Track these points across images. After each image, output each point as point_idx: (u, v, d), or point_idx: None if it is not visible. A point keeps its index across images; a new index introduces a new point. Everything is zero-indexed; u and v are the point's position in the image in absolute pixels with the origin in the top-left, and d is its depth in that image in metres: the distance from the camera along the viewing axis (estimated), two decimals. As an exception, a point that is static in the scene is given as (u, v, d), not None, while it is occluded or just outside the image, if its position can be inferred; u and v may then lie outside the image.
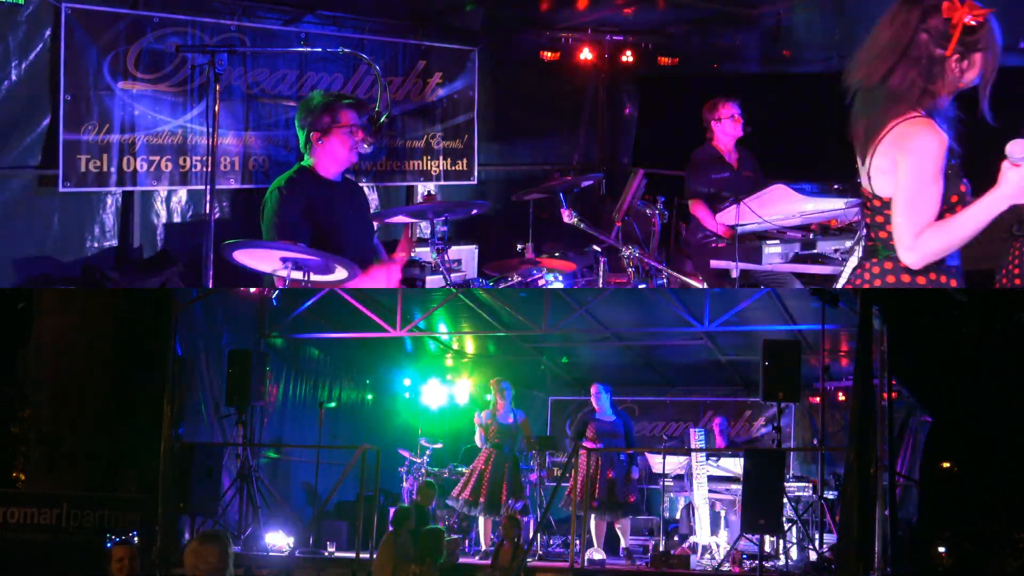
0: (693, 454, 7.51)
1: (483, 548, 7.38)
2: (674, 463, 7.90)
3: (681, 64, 10.09)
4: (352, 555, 6.75)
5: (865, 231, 3.50)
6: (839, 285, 5.75)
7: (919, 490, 8.22)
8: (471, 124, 9.74)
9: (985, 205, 3.09)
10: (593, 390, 7.91)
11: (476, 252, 9.13)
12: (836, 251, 6.49)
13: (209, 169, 4.42)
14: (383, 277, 5.17)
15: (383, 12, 8.90)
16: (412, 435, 8.98)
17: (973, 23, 3.12)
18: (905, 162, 3.16)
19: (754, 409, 9.73)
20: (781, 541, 6.55)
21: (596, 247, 6.25)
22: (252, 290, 7.36)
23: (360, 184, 8.86)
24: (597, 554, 6.96)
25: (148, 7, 7.52)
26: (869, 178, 3.33)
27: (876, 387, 6.30)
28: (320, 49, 8.17)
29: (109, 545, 4.34)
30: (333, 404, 8.50)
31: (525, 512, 7.59)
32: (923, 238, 3.15)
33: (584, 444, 7.41)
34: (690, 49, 10.10)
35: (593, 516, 7.46)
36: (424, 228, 5.52)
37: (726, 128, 7.57)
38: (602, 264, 6.18)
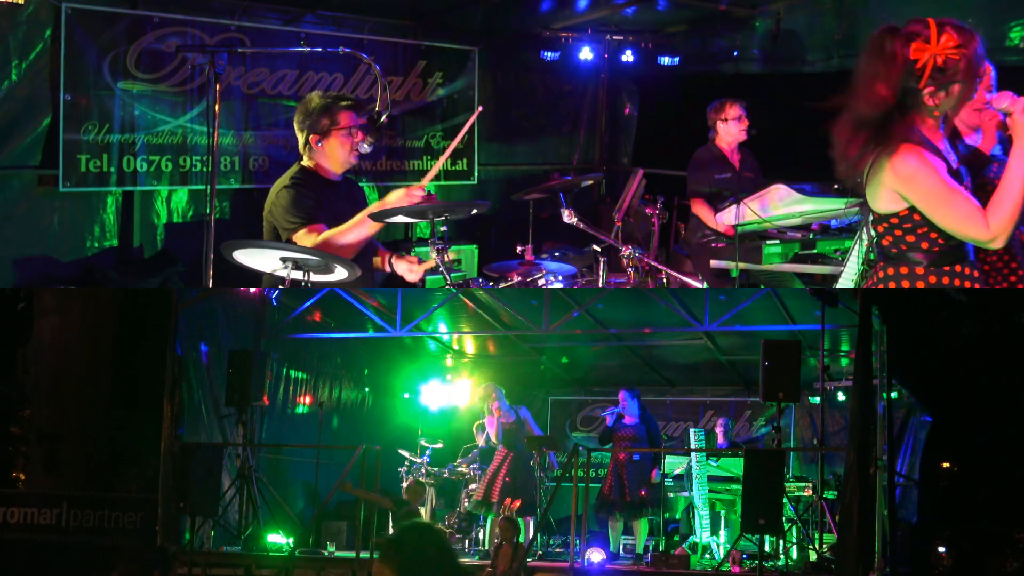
0: (693, 454, 7.51)
1: (486, 548, 7.39)
2: (674, 463, 7.91)
3: (681, 64, 10.08)
4: (352, 555, 6.75)
5: (870, 239, 3.60)
6: (839, 285, 5.77)
7: (919, 490, 8.22)
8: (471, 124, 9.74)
9: (1018, 161, 3.20)
10: (620, 397, 7.89)
11: (476, 252, 9.14)
12: (836, 251, 6.50)
13: (209, 169, 4.43)
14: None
15: (383, 12, 8.90)
16: (412, 435, 8.97)
17: (941, 64, 3.21)
18: (911, 189, 3.27)
19: (754, 409, 9.72)
20: (781, 541, 6.55)
21: (596, 247, 6.25)
22: (252, 290, 7.35)
23: (360, 183, 8.94)
24: (597, 554, 6.95)
25: (148, 7, 7.52)
26: (867, 196, 3.45)
27: (876, 387, 6.29)
28: (320, 49, 8.18)
29: None
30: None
31: (526, 512, 7.58)
32: (993, 225, 3.23)
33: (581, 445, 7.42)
34: (690, 49, 10.09)
35: (609, 517, 7.49)
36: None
37: (731, 129, 7.58)
38: (602, 264, 6.17)
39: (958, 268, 3.41)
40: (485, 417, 7.99)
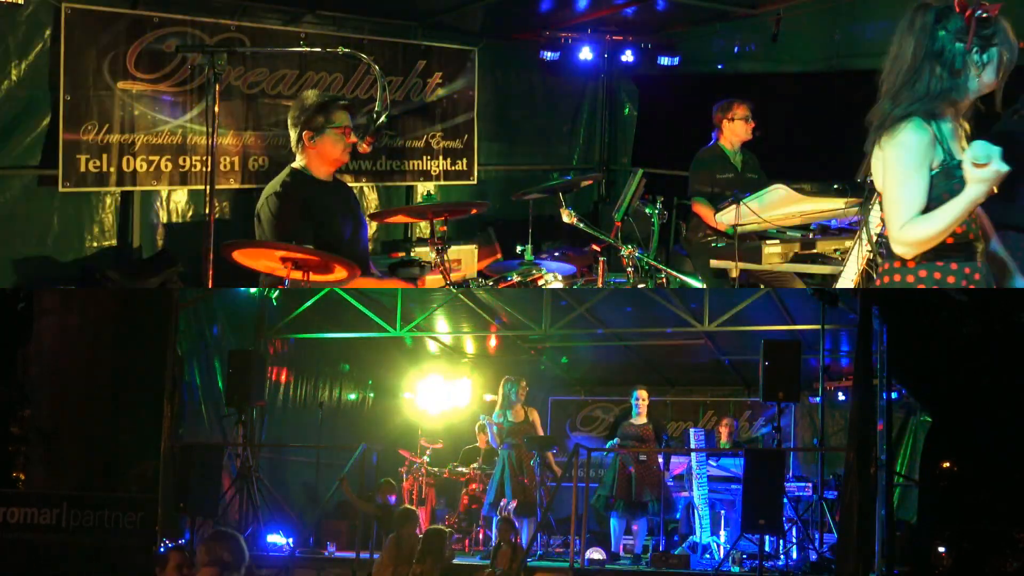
0: (693, 454, 7.51)
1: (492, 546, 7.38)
2: (674, 463, 7.90)
3: (681, 64, 10.08)
4: (352, 555, 6.75)
5: (874, 228, 3.67)
6: (839, 285, 5.77)
7: (919, 490, 8.22)
8: (471, 124, 9.74)
9: (963, 203, 3.20)
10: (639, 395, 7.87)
11: (476, 252, 9.14)
12: (836, 251, 6.50)
13: (209, 169, 4.42)
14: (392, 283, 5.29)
15: (383, 12, 8.90)
16: (412, 435, 8.97)
17: (985, 15, 3.22)
18: (891, 155, 3.30)
19: (754, 409, 9.72)
20: (781, 541, 6.55)
21: (596, 247, 6.25)
22: (252, 290, 7.35)
23: (358, 183, 8.94)
24: (597, 554, 6.95)
25: (148, 7, 7.52)
26: (876, 174, 3.47)
27: (876, 387, 6.29)
28: (320, 49, 8.18)
29: (163, 550, 4.22)
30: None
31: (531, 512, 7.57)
32: (906, 228, 3.28)
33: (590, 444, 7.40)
34: (690, 49, 10.10)
35: (613, 515, 7.48)
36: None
37: (737, 129, 7.58)
38: (602, 264, 6.17)
39: (954, 266, 3.39)
40: (496, 411, 7.89)
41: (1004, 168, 3.11)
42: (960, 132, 3.40)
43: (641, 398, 7.72)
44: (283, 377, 8.30)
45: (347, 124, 4.90)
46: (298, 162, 4.95)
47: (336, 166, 5.00)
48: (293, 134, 4.94)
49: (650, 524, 7.63)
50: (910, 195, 3.26)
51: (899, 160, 3.27)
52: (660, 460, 7.62)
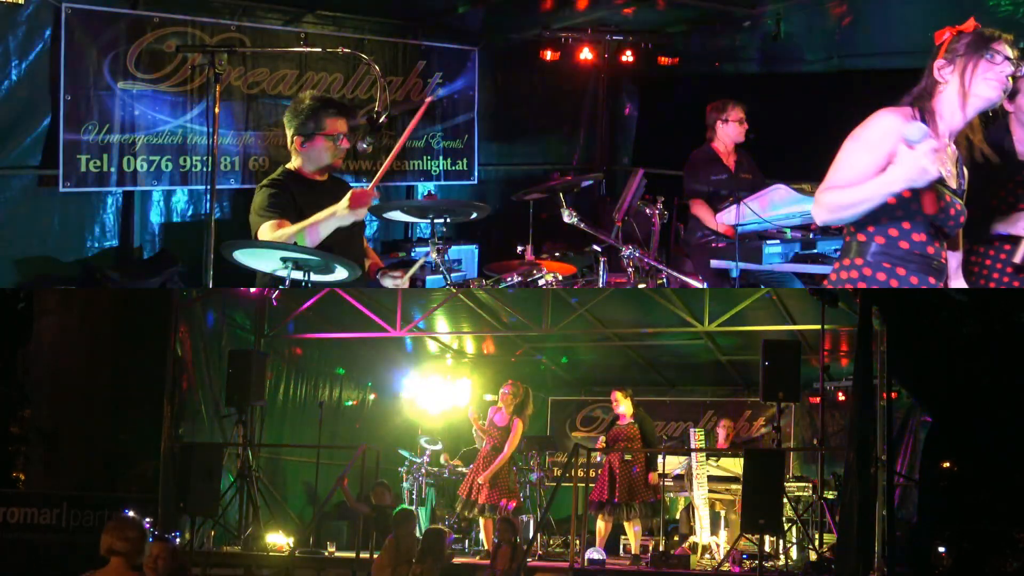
0: (693, 454, 7.51)
1: (485, 548, 7.37)
2: (674, 463, 7.90)
3: (681, 64, 10.08)
4: (352, 555, 6.75)
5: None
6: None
7: (919, 490, 8.22)
8: (471, 124, 9.74)
9: (883, 182, 3.18)
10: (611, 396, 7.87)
11: (476, 252, 9.15)
12: (836, 251, 6.49)
13: (209, 169, 4.42)
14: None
15: (383, 12, 8.90)
16: (412, 435, 8.97)
17: (954, 34, 3.40)
18: (851, 134, 3.40)
19: (754, 409, 9.72)
20: (781, 541, 6.55)
21: (596, 247, 6.25)
22: (252, 290, 7.35)
23: (359, 184, 8.93)
24: (597, 554, 6.95)
25: (148, 7, 7.52)
26: None
27: (876, 387, 6.29)
28: (320, 49, 8.18)
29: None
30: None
31: (524, 512, 7.57)
32: (824, 192, 3.34)
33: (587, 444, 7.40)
34: (690, 49, 10.09)
35: (601, 515, 7.47)
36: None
37: (730, 131, 7.58)
38: (602, 264, 6.18)
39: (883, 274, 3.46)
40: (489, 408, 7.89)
41: (926, 164, 3.04)
42: (947, 151, 3.44)
43: (613, 400, 7.73)
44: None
45: (341, 131, 4.88)
46: (292, 162, 4.96)
47: (326, 172, 4.99)
48: (288, 134, 4.95)
49: (649, 525, 7.62)
50: (845, 166, 3.32)
51: (854, 134, 3.38)
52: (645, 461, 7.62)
